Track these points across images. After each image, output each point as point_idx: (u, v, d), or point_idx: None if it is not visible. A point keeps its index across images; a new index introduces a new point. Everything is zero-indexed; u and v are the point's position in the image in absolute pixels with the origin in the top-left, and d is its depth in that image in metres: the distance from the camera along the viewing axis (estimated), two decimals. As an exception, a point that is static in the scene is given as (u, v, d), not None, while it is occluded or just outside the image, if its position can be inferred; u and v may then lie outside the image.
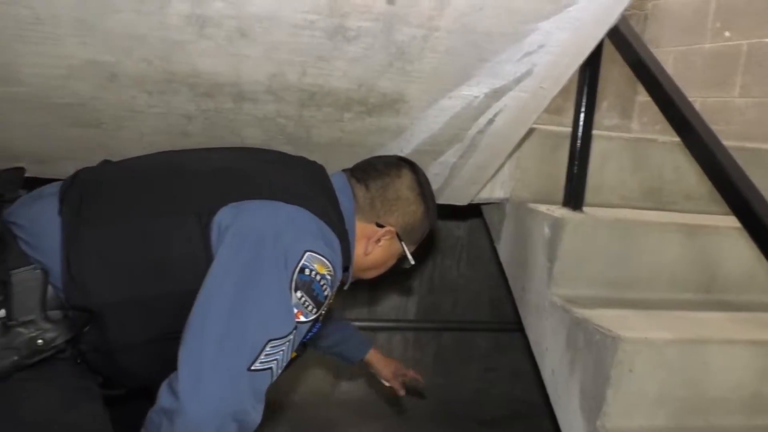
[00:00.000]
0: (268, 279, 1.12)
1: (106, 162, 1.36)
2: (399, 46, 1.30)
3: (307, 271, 1.14)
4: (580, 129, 1.80)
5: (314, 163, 1.41)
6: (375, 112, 1.51)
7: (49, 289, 1.15)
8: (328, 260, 1.18)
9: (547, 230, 1.76)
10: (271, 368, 1.11)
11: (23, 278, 1.13)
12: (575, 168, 1.81)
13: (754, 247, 1.36)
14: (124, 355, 1.21)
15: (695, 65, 3.14)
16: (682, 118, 1.55)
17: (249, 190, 1.21)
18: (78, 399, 1.21)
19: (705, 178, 1.50)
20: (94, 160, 1.35)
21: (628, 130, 3.35)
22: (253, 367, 1.08)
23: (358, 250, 1.38)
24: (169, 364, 1.07)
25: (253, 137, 1.58)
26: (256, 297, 1.11)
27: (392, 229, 1.39)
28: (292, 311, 1.13)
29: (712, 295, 1.84)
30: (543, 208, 1.84)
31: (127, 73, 1.33)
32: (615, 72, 2.99)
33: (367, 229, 1.38)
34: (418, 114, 1.53)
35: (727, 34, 2.97)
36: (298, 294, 1.14)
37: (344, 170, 1.44)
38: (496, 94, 1.47)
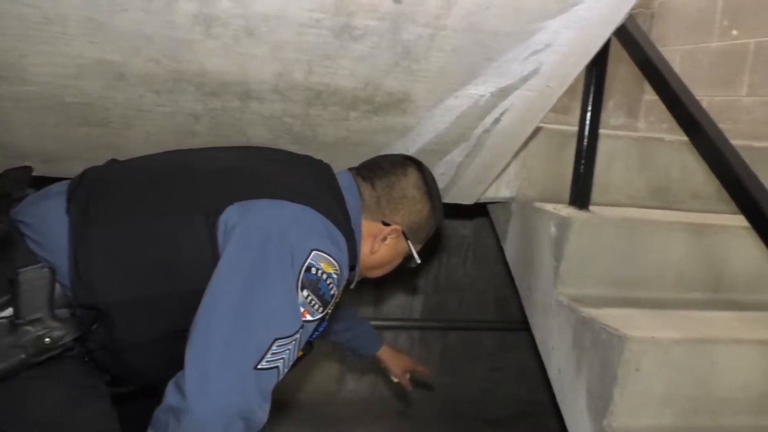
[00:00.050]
0: (275, 278, 1.12)
1: (113, 161, 1.36)
2: (405, 45, 1.30)
3: (313, 270, 1.14)
4: (587, 128, 1.80)
5: (320, 162, 1.41)
6: (381, 111, 1.51)
7: (57, 287, 1.15)
8: (334, 259, 1.18)
9: (553, 229, 1.75)
10: (277, 367, 1.11)
11: (31, 277, 1.13)
12: (582, 167, 1.81)
13: (762, 246, 1.36)
14: (131, 354, 1.22)
15: (702, 64, 3.12)
16: (690, 117, 1.54)
17: (255, 189, 1.21)
18: (85, 397, 1.21)
19: (712, 177, 1.49)
20: (101, 159, 1.36)
21: (635, 130, 3.34)
22: (259, 366, 1.08)
23: (365, 248, 1.38)
24: (176, 363, 1.07)
25: (260, 136, 1.58)
26: (263, 296, 1.11)
27: (398, 227, 1.39)
28: (299, 310, 1.14)
29: (719, 294, 1.83)
30: (549, 207, 1.83)
31: (135, 72, 1.33)
32: (621, 71, 2.98)
33: (373, 228, 1.38)
34: (424, 113, 1.53)
35: (734, 32, 2.96)
36: (305, 293, 1.14)
37: (350, 169, 1.44)
38: (503, 93, 1.47)
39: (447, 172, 1.78)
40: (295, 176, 1.30)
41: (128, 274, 1.16)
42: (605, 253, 1.74)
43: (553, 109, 1.59)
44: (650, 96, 3.34)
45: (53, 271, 1.15)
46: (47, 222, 1.19)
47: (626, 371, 1.43)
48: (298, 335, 1.13)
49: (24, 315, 1.12)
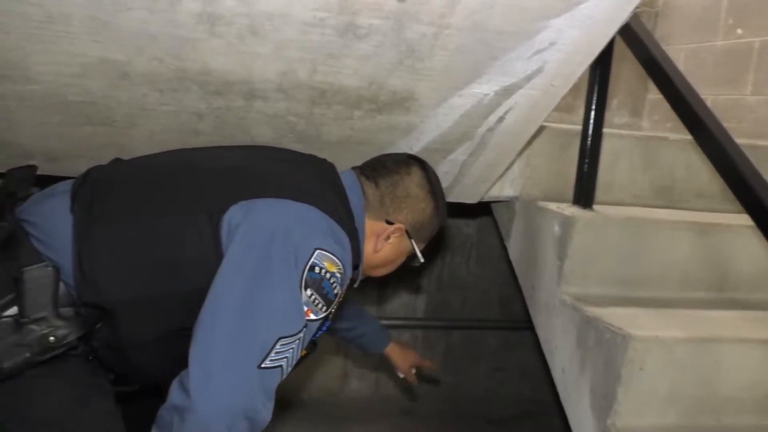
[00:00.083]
0: (278, 277, 1.12)
1: (117, 160, 1.36)
2: (409, 44, 1.30)
3: (317, 269, 1.14)
4: (591, 127, 1.79)
5: (324, 161, 1.41)
6: (385, 110, 1.51)
7: (61, 286, 1.16)
8: (338, 258, 1.18)
9: (557, 228, 1.75)
10: (281, 366, 1.11)
11: (35, 275, 1.14)
12: (586, 166, 1.81)
13: (766, 245, 1.35)
14: (135, 352, 1.22)
15: (706, 63, 3.12)
16: (695, 116, 1.54)
17: (259, 189, 1.21)
18: (90, 396, 1.21)
19: (716, 176, 1.49)
20: (105, 159, 1.36)
21: (639, 129, 3.33)
22: (263, 365, 1.08)
23: (368, 247, 1.38)
24: (180, 361, 1.07)
25: (264, 135, 1.58)
26: (266, 295, 1.11)
27: (401, 226, 1.39)
28: (302, 309, 1.14)
29: (723, 293, 1.83)
30: (553, 206, 1.83)
31: (139, 71, 1.33)
32: (625, 70, 2.98)
33: (376, 227, 1.38)
34: (428, 112, 1.53)
35: (739, 31, 2.95)
36: (308, 292, 1.14)
37: (354, 168, 1.44)
38: (507, 91, 1.47)
39: (451, 171, 1.78)
40: (299, 175, 1.30)
41: (132, 273, 1.17)
42: (609, 252, 1.73)
43: (557, 108, 1.59)
44: (654, 95, 3.33)
45: (57, 269, 1.15)
46: (52, 221, 1.19)
47: (630, 370, 1.43)
48: (301, 334, 1.13)
49: (29, 314, 1.12)
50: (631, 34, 1.70)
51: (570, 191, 1.86)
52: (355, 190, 1.36)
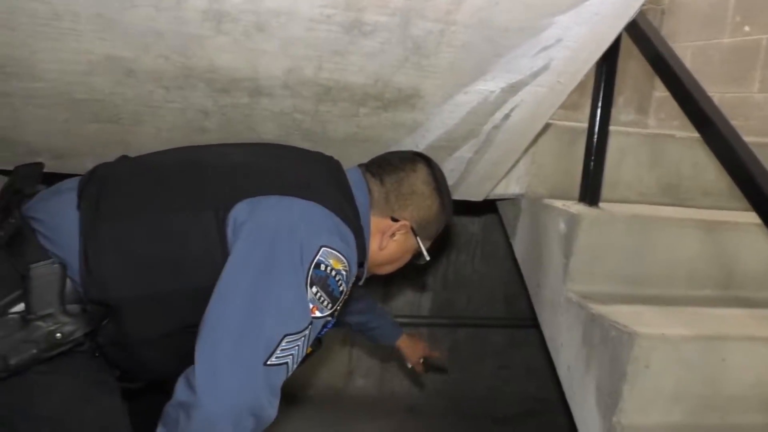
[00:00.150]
0: (284, 274, 1.13)
1: (124, 157, 1.37)
2: (415, 41, 1.30)
3: (322, 267, 1.14)
4: (597, 124, 1.79)
5: (330, 158, 1.41)
6: (391, 107, 1.51)
7: (68, 283, 1.16)
8: (343, 256, 1.18)
9: (563, 226, 1.75)
10: (286, 363, 1.11)
11: (42, 272, 1.14)
12: (592, 163, 1.80)
13: (774, 243, 1.35)
14: (141, 349, 1.22)
15: (713, 60, 3.10)
16: (702, 113, 1.53)
17: (265, 186, 1.21)
18: (96, 392, 1.22)
19: (724, 174, 1.48)
20: (111, 156, 1.36)
21: (645, 126, 3.32)
22: (269, 362, 1.08)
23: (373, 244, 1.38)
24: (186, 358, 1.08)
25: (270, 133, 1.58)
26: (272, 292, 1.11)
27: (406, 223, 1.39)
28: (308, 306, 1.14)
29: (730, 291, 1.82)
30: (559, 203, 1.83)
31: (145, 68, 1.34)
32: (632, 67, 2.97)
33: (381, 224, 1.38)
34: (433, 109, 1.53)
35: (746, 28, 2.94)
36: (314, 289, 1.14)
37: (360, 165, 1.44)
38: (513, 89, 1.47)
39: (456, 169, 1.77)
40: (305, 173, 1.30)
41: (138, 271, 1.17)
42: (615, 249, 1.73)
43: (563, 107, 1.59)
44: (661, 92, 3.32)
45: (64, 266, 1.15)
46: (58, 218, 1.20)
47: (636, 368, 1.42)
48: (307, 331, 1.13)
49: (35, 310, 1.13)
50: (637, 31, 1.70)
51: (576, 189, 1.86)
52: (360, 187, 1.36)
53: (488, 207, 2.21)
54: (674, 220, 1.80)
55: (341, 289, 1.19)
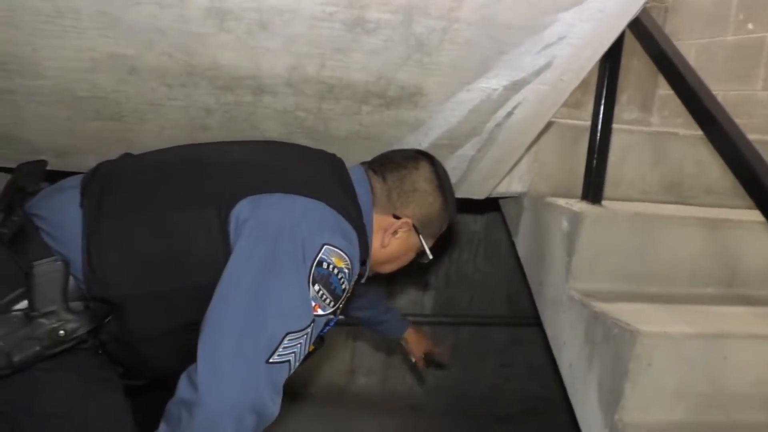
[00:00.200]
0: (286, 272, 1.13)
1: (126, 155, 1.37)
2: (418, 38, 1.30)
3: (324, 265, 1.14)
4: (600, 122, 1.78)
5: (333, 156, 1.41)
6: (393, 105, 1.51)
7: (71, 280, 1.16)
8: (345, 254, 1.18)
9: (565, 224, 1.75)
10: (289, 361, 1.11)
11: (45, 270, 1.15)
12: (595, 161, 1.80)
13: (777, 241, 1.35)
14: (144, 346, 1.22)
15: (717, 58, 3.09)
16: (705, 111, 1.52)
17: (267, 184, 1.21)
18: (99, 389, 1.22)
19: (727, 172, 1.47)
20: (114, 154, 1.37)
21: (648, 124, 3.31)
22: (271, 360, 1.08)
23: (375, 242, 1.38)
24: (189, 356, 1.08)
25: (273, 130, 1.58)
26: (274, 290, 1.11)
27: (408, 220, 1.38)
28: (310, 304, 1.14)
29: (733, 289, 1.82)
30: (561, 201, 1.83)
31: (148, 66, 1.34)
32: (635, 65, 2.96)
33: (384, 221, 1.38)
34: (436, 107, 1.52)
35: (750, 26, 2.93)
36: (316, 287, 1.14)
37: (362, 163, 1.44)
38: (515, 86, 1.46)
39: (459, 167, 1.77)
40: (308, 171, 1.30)
41: (141, 268, 1.17)
42: (618, 248, 1.73)
43: (566, 104, 1.59)
44: (664, 90, 3.31)
45: (67, 264, 1.16)
46: (61, 215, 1.20)
47: (638, 366, 1.42)
48: (309, 329, 1.13)
49: (39, 307, 1.13)
50: (641, 29, 1.69)
51: (579, 187, 1.86)
52: (363, 185, 1.36)
53: (491, 205, 2.21)
54: (677, 218, 1.79)
55: (343, 287, 1.19)
